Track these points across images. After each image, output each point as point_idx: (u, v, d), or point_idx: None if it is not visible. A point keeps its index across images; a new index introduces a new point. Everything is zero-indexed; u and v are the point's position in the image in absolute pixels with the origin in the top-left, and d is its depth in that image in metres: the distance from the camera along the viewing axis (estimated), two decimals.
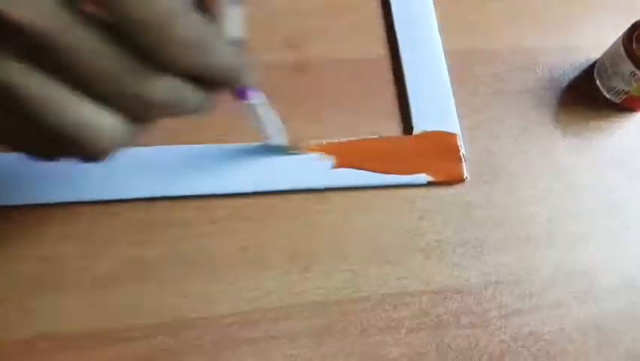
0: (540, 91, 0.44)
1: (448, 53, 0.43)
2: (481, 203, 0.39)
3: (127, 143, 0.18)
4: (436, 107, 0.41)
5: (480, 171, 0.40)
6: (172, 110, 0.18)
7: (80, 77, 0.16)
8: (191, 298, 0.34)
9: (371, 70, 0.43)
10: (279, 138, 0.36)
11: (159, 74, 0.17)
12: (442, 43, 0.44)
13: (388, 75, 0.43)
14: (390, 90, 0.43)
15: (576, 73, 0.45)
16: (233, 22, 0.25)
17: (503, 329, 0.36)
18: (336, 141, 0.39)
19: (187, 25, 0.16)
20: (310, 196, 0.38)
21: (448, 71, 0.43)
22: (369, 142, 0.40)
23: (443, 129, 0.40)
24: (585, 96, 0.44)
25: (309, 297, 0.35)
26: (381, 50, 0.44)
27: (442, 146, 0.40)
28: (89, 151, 0.17)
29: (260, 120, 0.33)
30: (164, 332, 0.33)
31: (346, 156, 0.39)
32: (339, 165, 0.38)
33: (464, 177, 0.39)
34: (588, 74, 0.45)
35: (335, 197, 0.38)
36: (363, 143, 0.39)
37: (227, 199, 0.37)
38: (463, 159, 0.39)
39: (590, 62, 0.45)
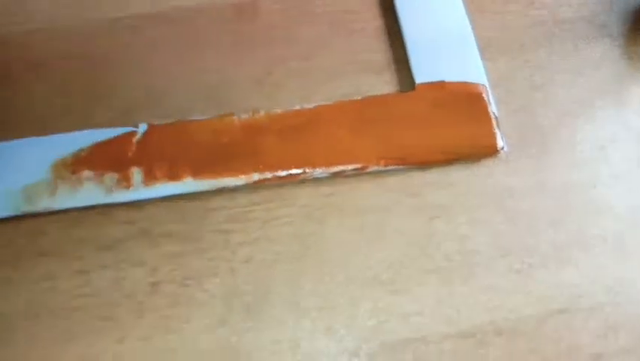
0: (601, 17, 0.29)
1: None
2: (526, 189, 0.25)
3: None
4: (447, 48, 0.27)
5: (520, 139, 0.26)
6: None
7: None
8: None
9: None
10: None
11: None
12: None
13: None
14: (373, 26, 0.29)
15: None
16: None
17: None
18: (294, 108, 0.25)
19: None
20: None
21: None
22: (340, 105, 0.26)
23: (461, 79, 0.26)
24: None
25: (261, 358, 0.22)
26: None
27: (462, 104, 0.26)
28: None
29: None
30: None
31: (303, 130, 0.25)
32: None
33: (499, 148, 0.25)
34: None
35: (301, 195, 0.24)
36: (332, 108, 0.26)
37: None
38: (494, 122, 0.25)
39: None
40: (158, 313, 0.23)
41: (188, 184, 0.24)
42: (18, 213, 0.24)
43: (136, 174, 0.25)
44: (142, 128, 0.26)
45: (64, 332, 0.23)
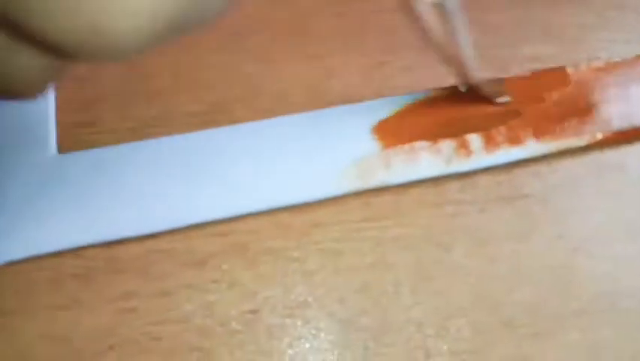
0: None
1: None
2: None
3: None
4: None
5: None
6: None
7: None
8: None
9: None
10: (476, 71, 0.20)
11: None
12: None
13: None
14: None
15: None
16: None
17: None
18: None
19: None
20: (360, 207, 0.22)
21: None
22: None
23: None
24: None
25: None
26: None
27: None
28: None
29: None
30: None
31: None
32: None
33: None
34: None
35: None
36: None
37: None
38: None
39: None
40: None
41: (530, 148, 0.22)
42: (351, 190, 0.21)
43: (474, 140, 0.22)
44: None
45: None
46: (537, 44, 0.25)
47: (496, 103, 0.22)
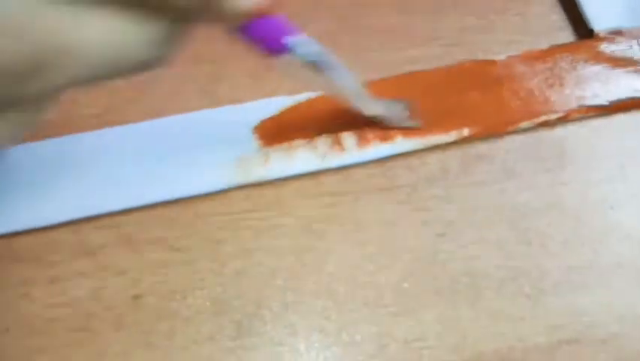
0: None
1: None
2: (536, 204, 0.24)
3: None
4: None
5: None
6: None
7: None
8: None
9: None
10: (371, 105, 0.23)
11: None
12: None
13: None
14: None
15: None
16: None
17: None
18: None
19: None
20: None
21: None
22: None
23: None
24: None
25: None
26: None
27: None
28: None
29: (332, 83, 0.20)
30: None
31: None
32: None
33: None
34: None
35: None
36: None
37: None
38: None
39: None
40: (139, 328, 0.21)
41: (398, 144, 0.24)
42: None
43: (348, 138, 0.24)
44: None
45: None
46: (419, 47, 0.27)
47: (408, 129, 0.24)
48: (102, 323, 0.22)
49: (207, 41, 0.20)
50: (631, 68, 0.26)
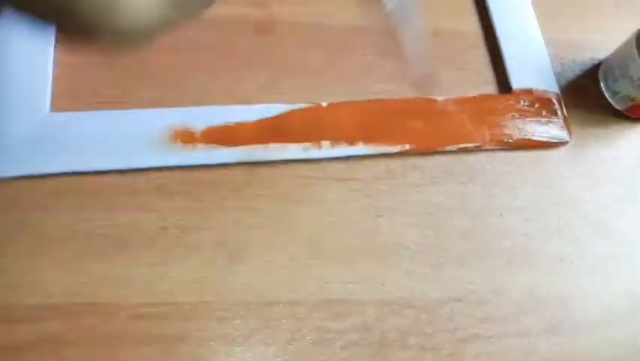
0: None
1: None
2: (447, 204, 0.34)
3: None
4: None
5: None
6: None
7: None
8: (94, 280, 0.30)
9: None
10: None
11: None
12: None
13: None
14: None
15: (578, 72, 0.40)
16: None
17: (457, 357, 0.31)
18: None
19: None
20: (246, 174, 0.33)
21: None
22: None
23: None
24: (586, 99, 0.39)
25: (234, 295, 0.30)
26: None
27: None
28: None
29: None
30: (54, 315, 0.29)
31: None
32: None
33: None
34: (592, 75, 0.40)
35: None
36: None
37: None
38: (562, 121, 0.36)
39: (595, 62, 0.40)
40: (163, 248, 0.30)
41: (359, 148, 0.34)
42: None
43: (324, 141, 0.34)
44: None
45: None
46: (386, 83, 0.37)
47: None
48: (138, 243, 0.31)
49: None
50: (533, 119, 0.37)
